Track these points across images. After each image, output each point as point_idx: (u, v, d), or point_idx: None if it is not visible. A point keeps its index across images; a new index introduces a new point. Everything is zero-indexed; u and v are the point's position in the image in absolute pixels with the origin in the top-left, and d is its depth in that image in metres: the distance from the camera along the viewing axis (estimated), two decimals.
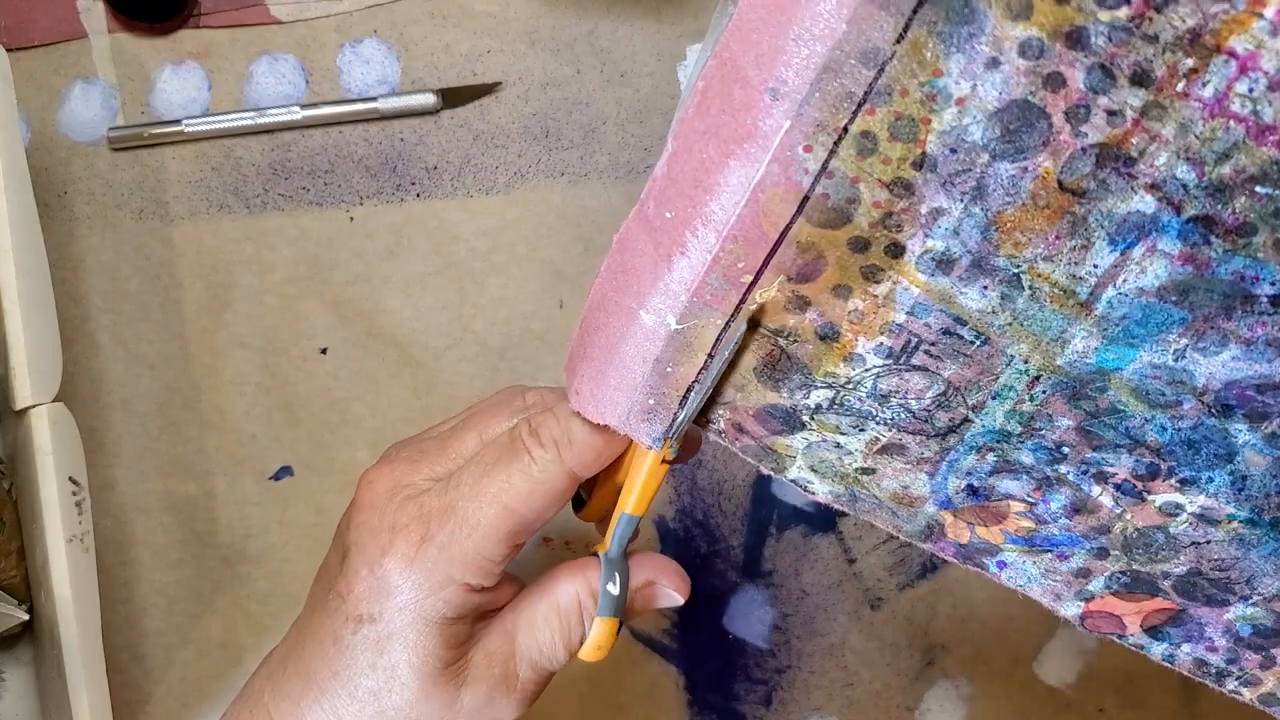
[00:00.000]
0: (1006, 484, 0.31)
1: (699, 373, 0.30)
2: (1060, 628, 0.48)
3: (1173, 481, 0.30)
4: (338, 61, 0.47)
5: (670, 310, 0.29)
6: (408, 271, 0.47)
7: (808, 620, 0.48)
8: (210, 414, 0.47)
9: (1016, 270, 0.28)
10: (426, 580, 0.32)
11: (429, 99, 0.46)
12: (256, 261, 0.47)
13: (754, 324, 0.30)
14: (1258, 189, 0.26)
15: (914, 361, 0.30)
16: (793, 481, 0.32)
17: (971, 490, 0.31)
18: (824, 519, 0.48)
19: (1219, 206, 0.26)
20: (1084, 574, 0.31)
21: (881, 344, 0.30)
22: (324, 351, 0.47)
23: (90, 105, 0.47)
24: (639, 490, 0.33)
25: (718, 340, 0.30)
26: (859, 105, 0.26)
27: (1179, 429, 0.29)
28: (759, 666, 0.48)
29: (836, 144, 0.27)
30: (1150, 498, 0.30)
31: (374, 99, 0.46)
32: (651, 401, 0.31)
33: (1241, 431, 0.29)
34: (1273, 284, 0.27)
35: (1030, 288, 0.28)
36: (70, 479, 0.40)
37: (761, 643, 0.48)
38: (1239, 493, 0.30)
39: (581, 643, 0.34)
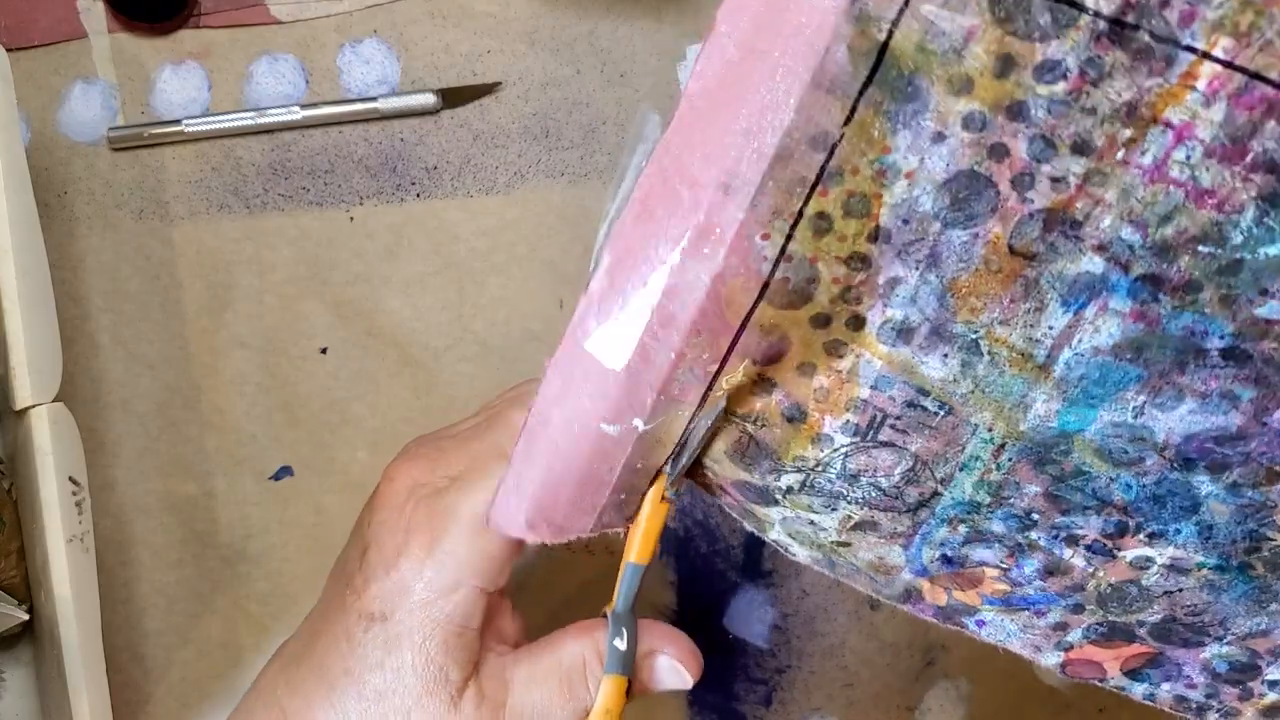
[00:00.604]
0: (980, 553, 0.31)
1: (689, 423, 0.30)
2: None
3: (1141, 537, 0.30)
4: (338, 61, 0.47)
5: (636, 414, 0.29)
6: (408, 271, 0.47)
7: (808, 620, 0.48)
8: (210, 414, 0.47)
9: (975, 336, 0.28)
10: (438, 582, 0.32)
11: (429, 99, 0.46)
12: (256, 261, 0.47)
13: (727, 412, 0.30)
14: (1200, 248, 0.27)
15: (880, 438, 0.30)
16: (774, 542, 0.32)
17: (946, 559, 0.31)
18: None
19: (1165, 265, 0.27)
20: (1061, 627, 0.31)
21: (848, 421, 0.30)
22: (324, 351, 0.47)
23: (90, 105, 0.47)
24: (640, 535, 0.32)
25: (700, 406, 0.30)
26: (812, 188, 0.27)
27: (1143, 485, 0.29)
28: (759, 666, 0.48)
29: (793, 228, 0.27)
30: (1121, 554, 0.30)
31: (374, 99, 0.46)
32: (623, 496, 0.31)
33: (1204, 483, 0.29)
34: (1221, 337, 0.27)
35: (989, 353, 0.28)
36: (70, 479, 0.40)
37: (761, 643, 0.48)
38: (1206, 541, 0.30)
39: (588, 711, 0.33)
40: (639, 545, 0.32)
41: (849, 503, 0.30)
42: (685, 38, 0.47)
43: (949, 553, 0.31)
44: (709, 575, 0.48)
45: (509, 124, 0.47)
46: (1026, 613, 0.31)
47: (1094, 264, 0.27)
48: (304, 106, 0.46)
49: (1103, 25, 0.25)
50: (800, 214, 0.27)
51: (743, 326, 0.28)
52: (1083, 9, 0.25)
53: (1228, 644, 0.31)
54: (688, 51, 0.47)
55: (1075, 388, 0.28)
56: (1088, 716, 0.48)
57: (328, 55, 0.47)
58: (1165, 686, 0.32)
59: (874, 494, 0.30)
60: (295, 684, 0.34)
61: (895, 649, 0.48)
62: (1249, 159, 0.26)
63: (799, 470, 0.30)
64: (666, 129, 0.27)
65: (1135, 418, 0.29)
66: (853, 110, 0.26)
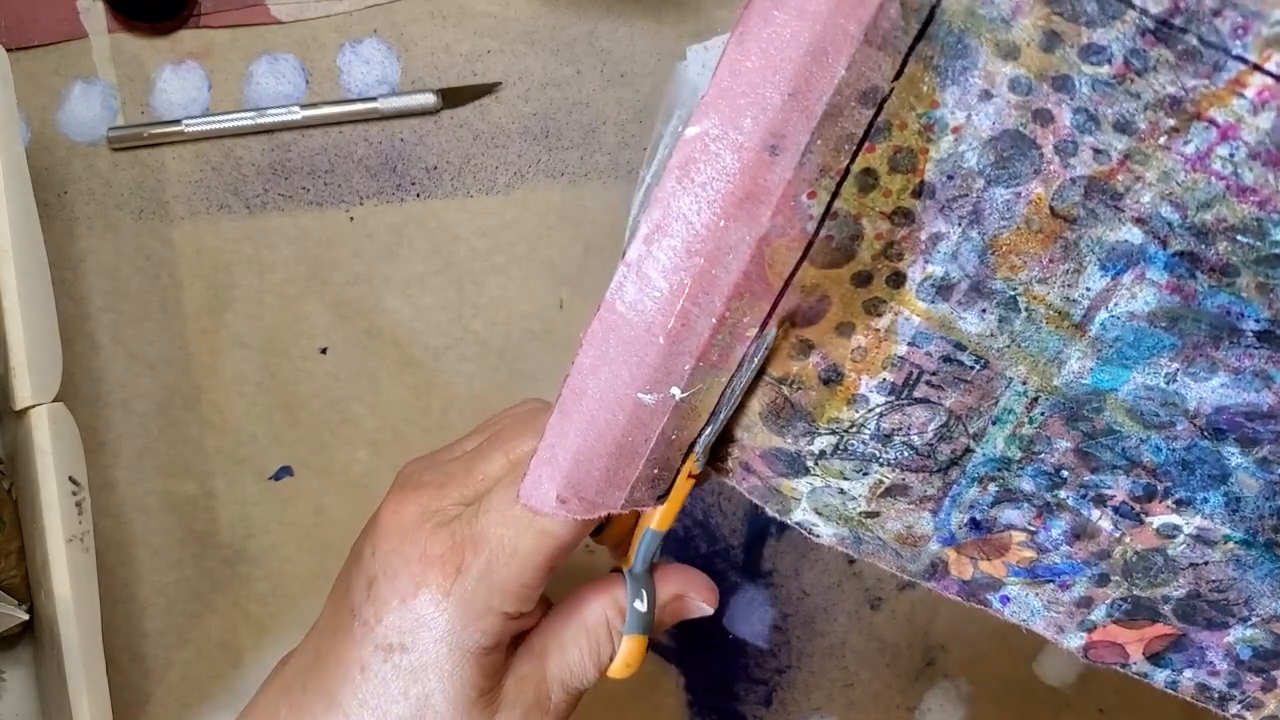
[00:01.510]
0: (1008, 514, 0.31)
1: (720, 395, 0.30)
2: None
3: (1169, 503, 0.30)
4: (338, 61, 0.47)
5: (674, 383, 0.29)
6: (408, 271, 0.47)
7: (808, 620, 0.48)
8: (210, 414, 0.47)
9: (1013, 293, 0.29)
10: (464, 612, 0.32)
11: (429, 99, 0.46)
12: (256, 261, 0.47)
13: (760, 371, 0.30)
14: (1239, 238, 0.27)
15: (915, 394, 0.30)
16: (797, 524, 0.32)
17: (974, 524, 0.31)
18: None
19: (1202, 246, 0.27)
20: (1085, 603, 0.31)
21: (884, 380, 0.30)
22: (324, 351, 0.47)
23: (90, 105, 0.47)
24: (664, 505, 0.32)
25: (735, 375, 0.30)
26: (860, 144, 0.27)
27: (1173, 449, 0.30)
28: (759, 666, 0.48)
29: (839, 185, 0.27)
30: (1148, 519, 0.30)
31: (374, 99, 0.46)
32: (656, 470, 0.31)
33: (1234, 455, 0.29)
34: (1257, 320, 0.28)
35: (1027, 309, 0.29)
36: (70, 479, 0.40)
37: (761, 643, 0.48)
38: (1234, 514, 0.30)
39: (611, 660, 0.34)
40: (661, 514, 0.32)
41: (881, 465, 0.31)
42: (685, 38, 0.47)
43: (977, 515, 0.31)
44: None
45: (509, 124, 0.47)
46: (1052, 585, 0.32)
47: (1133, 234, 0.28)
48: (304, 106, 0.46)
49: (1149, 23, 0.26)
50: (847, 171, 0.27)
51: (785, 287, 0.28)
52: (1129, 4, 0.26)
53: (1252, 626, 0.31)
54: (688, 52, 0.47)
55: (1110, 348, 0.29)
56: (1088, 716, 0.48)
57: (328, 55, 0.47)
58: (1188, 673, 0.32)
59: (906, 454, 0.30)
60: (302, 709, 0.33)
61: (895, 649, 0.48)
62: None
63: (833, 432, 0.30)
64: (706, 93, 0.27)
65: (1168, 383, 0.29)
66: (903, 65, 0.26)
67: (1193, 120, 0.26)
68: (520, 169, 0.47)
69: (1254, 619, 0.31)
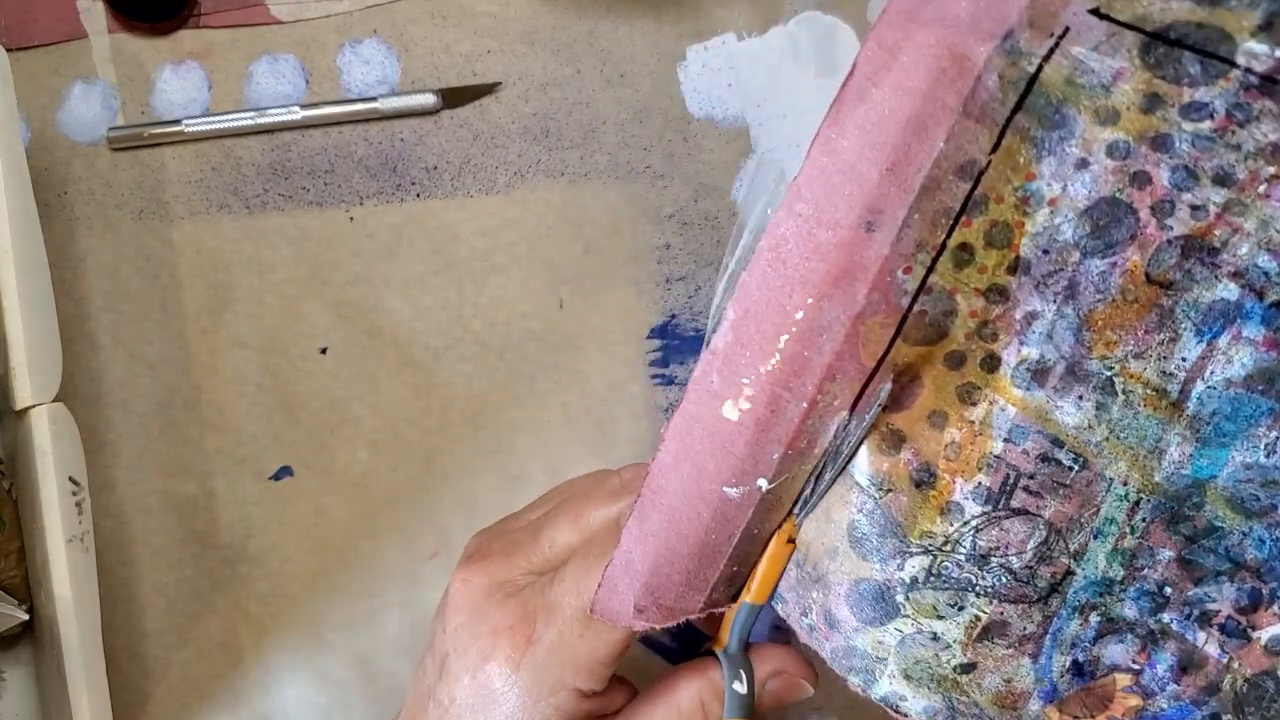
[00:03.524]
0: (1112, 650, 0.29)
1: (829, 447, 0.28)
2: None
3: (1276, 609, 0.29)
4: (338, 61, 0.47)
5: (761, 474, 0.28)
6: (408, 271, 0.47)
7: None
8: (210, 414, 0.47)
9: (1109, 373, 0.28)
10: (536, 685, 0.30)
11: (429, 99, 0.46)
12: (256, 261, 0.47)
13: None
14: None
15: (1013, 504, 0.29)
16: (882, 699, 0.30)
17: (1077, 669, 0.30)
18: None
19: None
20: None
21: (979, 485, 0.29)
22: (324, 351, 0.47)
23: (90, 105, 0.47)
24: (761, 575, 0.30)
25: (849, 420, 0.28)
26: (956, 218, 0.27)
27: (1277, 538, 0.28)
28: None
29: (935, 260, 0.27)
30: (1256, 635, 0.29)
31: (374, 99, 0.46)
32: (736, 569, 0.29)
33: None
34: None
35: (1124, 391, 0.28)
36: (70, 479, 0.40)
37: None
38: None
39: None
40: (758, 585, 0.30)
41: (977, 594, 0.29)
42: (685, 38, 0.47)
43: (1080, 656, 0.29)
44: None
45: (509, 124, 0.47)
46: None
47: (1229, 290, 0.27)
48: (304, 106, 0.46)
49: (1254, 80, 0.26)
50: (944, 245, 0.27)
51: (879, 365, 0.27)
52: (1233, 63, 0.26)
53: None
54: (687, 52, 0.47)
55: (1208, 425, 0.28)
56: None
57: (328, 55, 0.47)
58: None
59: (1004, 579, 0.29)
60: None
61: None
62: None
63: (926, 551, 0.29)
64: (799, 174, 0.27)
65: (1268, 456, 0.28)
66: (1000, 136, 0.26)
67: None
68: (520, 169, 0.47)
69: None
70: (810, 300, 0.27)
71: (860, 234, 0.26)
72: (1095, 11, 0.25)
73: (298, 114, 0.46)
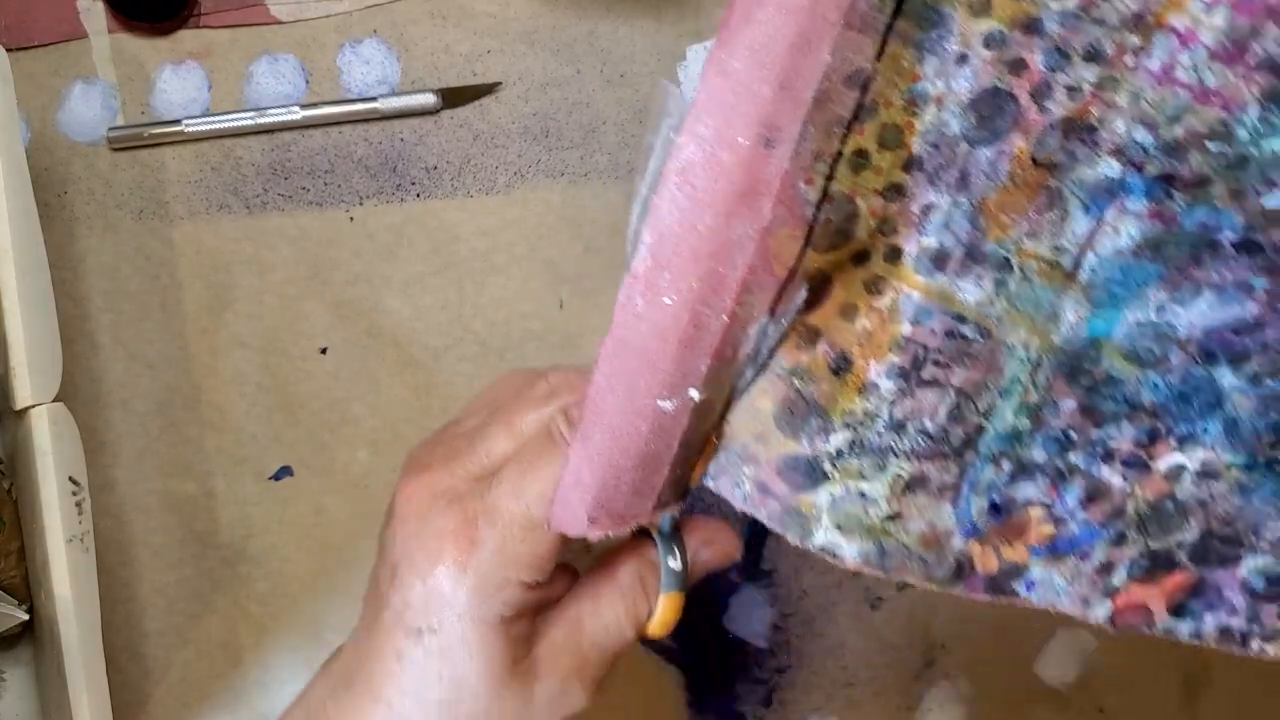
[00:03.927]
0: (1024, 489, 0.31)
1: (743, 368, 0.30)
2: (1060, 627, 0.48)
3: (1172, 441, 0.31)
4: (338, 61, 0.47)
5: (691, 385, 0.29)
6: (408, 271, 0.47)
7: (808, 620, 0.48)
8: (210, 414, 0.47)
9: (1005, 253, 0.30)
10: (482, 584, 0.32)
11: (429, 99, 0.46)
12: (256, 261, 0.47)
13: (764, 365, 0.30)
14: (1209, 145, 0.28)
15: (924, 377, 0.30)
16: (821, 549, 0.32)
17: (994, 508, 0.32)
18: None
19: (1176, 163, 0.29)
20: (1106, 569, 0.32)
21: (892, 364, 0.30)
22: (324, 351, 0.47)
23: (90, 105, 0.47)
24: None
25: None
26: (849, 127, 0.28)
27: (1170, 384, 0.31)
28: (759, 666, 0.48)
29: (833, 169, 0.28)
30: (1154, 465, 0.31)
31: (374, 99, 0.46)
32: (679, 472, 0.31)
33: (1226, 375, 0.30)
34: (1234, 230, 0.29)
35: (1020, 268, 0.30)
36: (70, 479, 0.40)
37: (761, 643, 0.48)
38: (1233, 438, 0.31)
39: (648, 618, 0.34)
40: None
41: (898, 456, 0.31)
42: (685, 38, 0.47)
43: (996, 498, 0.31)
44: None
45: (509, 124, 0.47)
46: (1072, 558, 0.32)
47: (1111, 167, 0.29)
48: (304, 106, 0.46)
49: None
50: (839, 154, 0.28)
51: (791, 274, 0.29)
52: None
53: (1262, 554, 0.31)
54: (687, 52, 0.47)
55: (1101, 290, 0.30)
56: (1088, 716, 0.48)
57: (328, 55, 0.47)
58: (1209, 619, 0.32)
59: (921, 442, 0.31)
60: (347, 709, 0.33)
61: (895, 649, 0.48)
62: (1250, 60, 0.27)
63: (847, 426, 0.31)
64: (696, 97, 0.28)
65: (1158, 314, 0.30)
66: (883, 44, 0.28)
67: (1154, 31, 0.28)
68: (520, 169, 0.47)
69: (1263, 544, 0.31)
70: (719, 219, 0.28)
71: (760, 151, 0.28)
72: None
73: (298, 114, 0.46)
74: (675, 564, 0.34)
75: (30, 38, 0.46)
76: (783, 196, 0.28)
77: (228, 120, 0.46)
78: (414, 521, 0.33)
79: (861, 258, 0.30)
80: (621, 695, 0.48)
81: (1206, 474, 0.31)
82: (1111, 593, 0.32)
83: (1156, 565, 0.32)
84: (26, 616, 0.42)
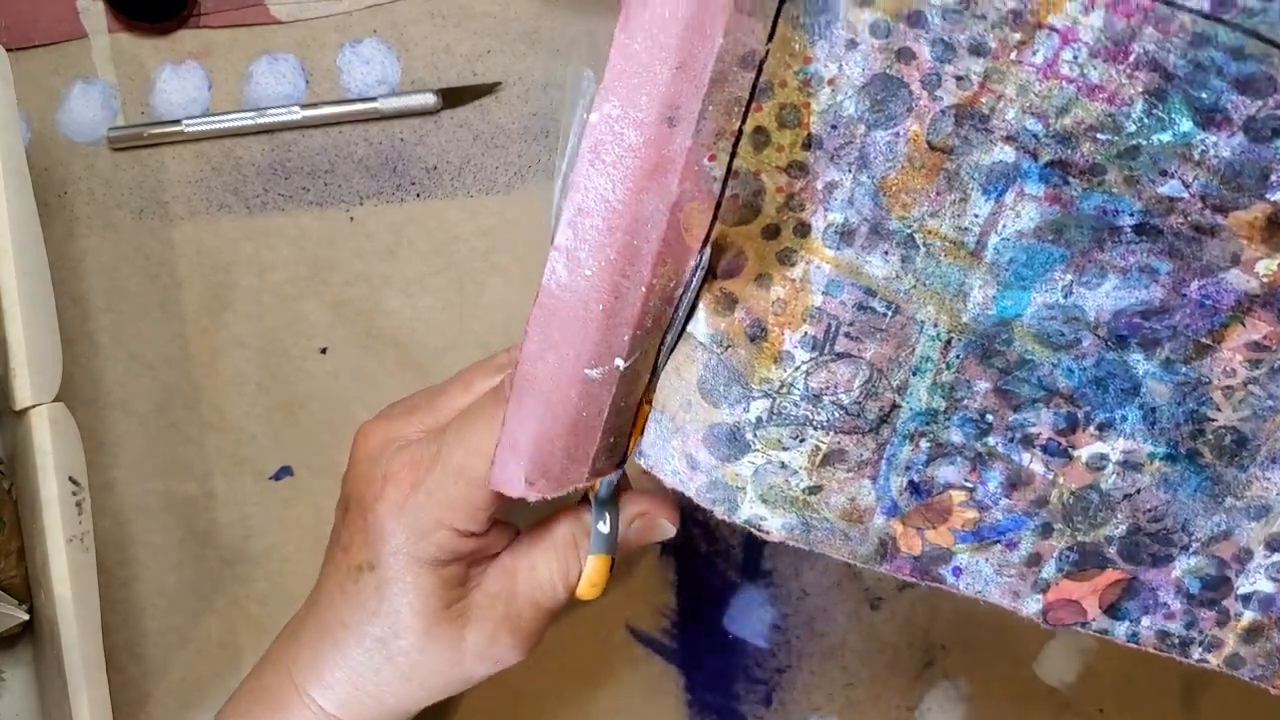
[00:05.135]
0: (944, 471, 0.32)
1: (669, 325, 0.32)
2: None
3: (1092, 429, 0.32)
4: (338, 61, 0.47)
5: (617, 354, 0.31)
6: (408, 271, 0.47)
7: (808, 620, 0.48)
8: (210, 414, 0.47)
9: (909, 230, 0.31)
10: (417, 524, 0.33)
11: (429, 99, 0.46)
12: (256, 261, 0.47)
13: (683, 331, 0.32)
14: (1098, 135, 0.29)
15: (837, 349, 0.32)
16: (747, 521, 0.33)
17: (914, 488, 0.32)
18: None
19: (1069, 151, 0.30)
20: (1034, 560, 0.32)
21: (806, 334, 0.31)
22: (324, 351, 0.47)
23: (90, 105, 0.47)
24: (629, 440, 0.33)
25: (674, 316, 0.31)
26: (747, 106, 0.29)
27: (1084, 368, 0.31)
28: (759, 666, 0.48)
29: (735, 145, 0.29)
30: (1076, 453, 0.32)
31: (374, 99, 0.46)
32: (613, 439, 0.32)
33: (1140, 362, 0.31)
34: (1131, 214, 0.30)
35: (924, 245, 0.31)
36: (70, 479, 0.40)
37: (761, 643, 0.48)
38: (1152, 427, 0.31)
39: (578, 579, 0.35)
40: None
41: (815, 428, 0.32)
42: None
43: (915, 477, 0.32)
44: (709, 575, 0.48)
45: (509, 124, 0.47)
46: (999, 546, 0.32)
47: (1005, 153, 0.30)
48: (304, 106, 0.46)
49: None
50: (740, 131, 0.29)
51: (703, 246, 0.30)
52: None
53: (1194, 554, 0.32)
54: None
55: (1007, 270, 0.31)
56: (1088, 717, 0.48)
57: (328, 55, 0.47)
58: (1145, 621, 0.33)
59: (837, 414, 0.32)
60: (300, 643, 0.35)
61: (895, 649, 0.48)
62: (1132, 59, 0.28)
63: (766, 395, 0.32)
64: (603, 78, 0.29)
65: (1065, 297, 0.31)
66: (773, 27, 0.29)
67: (1035, 30, 0.29)
68: (520, 169, 0.47)
69: (1194, 544, 0.32)
70: (631, 194, 0.29)
71: (664, 129, 0.29)
72: None
73: (298, 114, 0.46)
74: (604, 527, 0.35)
75: (30, 38, 0.46)
76: (688, 173, 0.29)
77: (228, 120, 0.46)
78: (365, 464, 0.35)
79: (772, 232, 0.31)
80: (621, 695, 0.48)
81: (1129, 465, 0.32)
82: (1043, 587, 0.33)
83: (1086, 560, 0.32)
84: (26, 616, 0.42)
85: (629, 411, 0.32)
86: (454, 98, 0.47)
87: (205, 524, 0.46)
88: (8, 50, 0.40)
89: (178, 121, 0.46)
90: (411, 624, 0.34)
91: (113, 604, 0.46)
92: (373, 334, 0.47)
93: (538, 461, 0.31)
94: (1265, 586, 0.32)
